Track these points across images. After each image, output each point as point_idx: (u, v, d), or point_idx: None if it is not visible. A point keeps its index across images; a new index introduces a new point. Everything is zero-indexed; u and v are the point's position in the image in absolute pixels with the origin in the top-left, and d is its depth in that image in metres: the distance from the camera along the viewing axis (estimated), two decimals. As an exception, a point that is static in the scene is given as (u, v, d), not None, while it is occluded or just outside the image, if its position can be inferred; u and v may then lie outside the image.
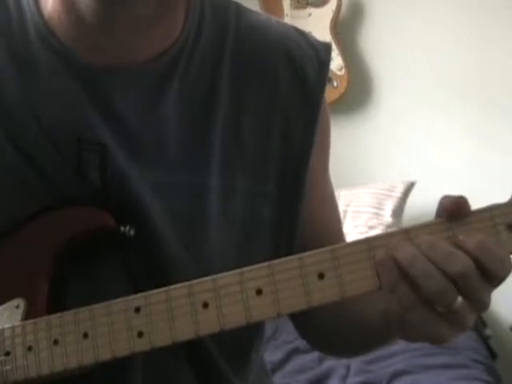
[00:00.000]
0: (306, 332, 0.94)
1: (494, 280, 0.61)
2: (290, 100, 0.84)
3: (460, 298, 0.61)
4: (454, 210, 0.63)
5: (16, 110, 0.77)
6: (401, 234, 0.64)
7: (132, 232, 0.75)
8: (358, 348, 0.90)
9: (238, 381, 0.87)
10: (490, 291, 0.63)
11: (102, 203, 0.76)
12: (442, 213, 0.64)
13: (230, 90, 0.82)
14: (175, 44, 0.81)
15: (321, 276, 0.64)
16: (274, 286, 0.64)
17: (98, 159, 0.77)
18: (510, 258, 0.62)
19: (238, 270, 0.66)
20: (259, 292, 0.65)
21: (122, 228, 0.75)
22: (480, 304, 0.62)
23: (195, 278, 0.67)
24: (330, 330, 0.88)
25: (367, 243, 0.64)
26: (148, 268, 0.78)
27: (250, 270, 0.65)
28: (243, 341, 0.87)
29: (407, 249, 0.62)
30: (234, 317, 0.65)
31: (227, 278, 0.66)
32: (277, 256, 0.67)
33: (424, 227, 0.64)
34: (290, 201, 0.84)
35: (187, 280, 0.67)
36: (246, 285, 0.65)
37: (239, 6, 0.87)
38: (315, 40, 0.88)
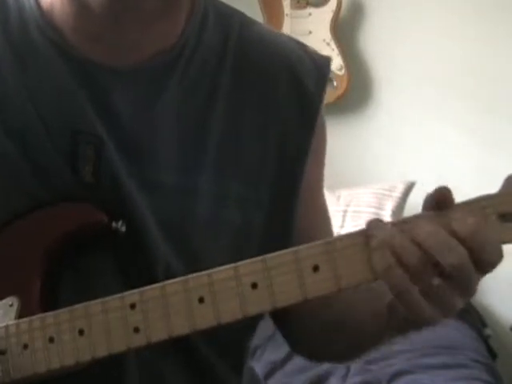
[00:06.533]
0: (294, 340, 0.93)
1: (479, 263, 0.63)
2: (288, 111, 0.85)
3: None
4: (439, 197, 0.64)
5: (13, 99, 0.77)
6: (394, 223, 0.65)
7: (124, 228, 0.76)
8: (346, 351, 0.88)
9: (233, 379, 0.87)
10: (478, 276, 0.63)
11: (92, 197, 0.76)
12: (430, 202, 0.65)
13: (228, 96, 0.82)
14: (175, 46, 0.81)
15: (315, 269, 0.64)
16: (269, 279, 0.65)
17: (93, 151, 0.77)
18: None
19: (233, 265, 0.66)
20: (254, 286, 0.65)
21: (114, 224, 0.75)
22: (466, 284, 0.63)
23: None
24: (318, 333, 0.88)
25: (362, 236, 0.64)
26: (139, 264, 0.78)
27: (245, 264, 0.66)
28: (238, 339, 0.86)
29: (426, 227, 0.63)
30: (230, 311, 0.65)
31: (222, 272, 0.66)
32: None
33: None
34: (283, 211, 0.84)
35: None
36: (241, 279, 0.65)
37: (243, 16, 0.88)
38: (316, 54, 0.90)
